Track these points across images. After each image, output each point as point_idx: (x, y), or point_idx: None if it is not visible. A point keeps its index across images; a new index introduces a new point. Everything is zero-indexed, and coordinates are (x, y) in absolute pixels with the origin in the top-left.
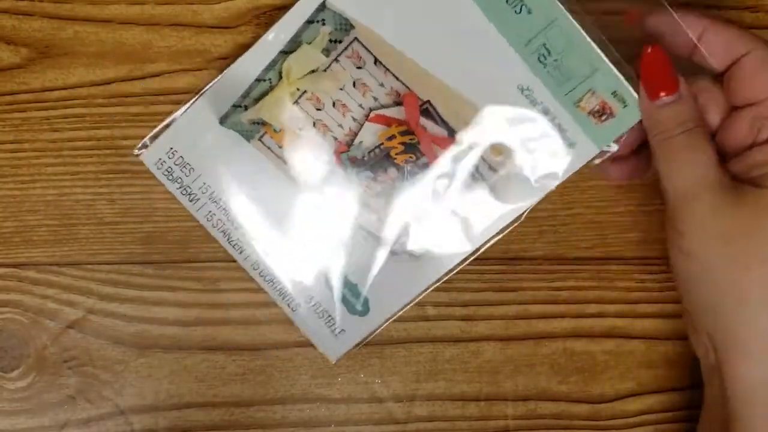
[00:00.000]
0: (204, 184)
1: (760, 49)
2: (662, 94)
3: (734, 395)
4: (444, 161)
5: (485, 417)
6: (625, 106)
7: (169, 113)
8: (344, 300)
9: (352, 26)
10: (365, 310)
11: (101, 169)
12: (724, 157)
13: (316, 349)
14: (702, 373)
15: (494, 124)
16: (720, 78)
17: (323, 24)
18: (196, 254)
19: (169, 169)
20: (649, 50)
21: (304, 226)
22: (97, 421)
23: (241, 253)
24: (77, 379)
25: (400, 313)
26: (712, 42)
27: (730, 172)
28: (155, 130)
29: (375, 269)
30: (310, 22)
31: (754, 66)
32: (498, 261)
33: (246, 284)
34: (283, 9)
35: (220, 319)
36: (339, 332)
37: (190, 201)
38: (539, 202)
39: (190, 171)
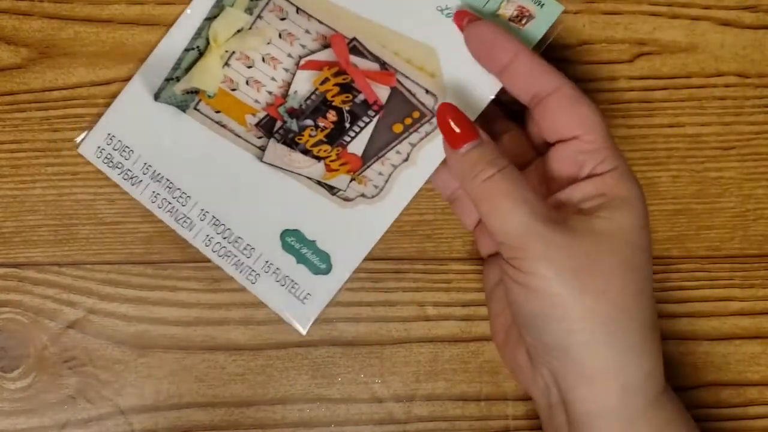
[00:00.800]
0: (145, 164)
1: (564, 88)
2: (462, 143)
3: (583, 428)
4: (382, 93)
5: (485, 417)
6: (542, 5)
7: None
8: (305, 261)
9: None
10: (328, 268)
11: (101, 169)
12: (547, 188)
13: (316, 350)
14: (539, 411)
15: (422, 48)
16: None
17: None
18: (195, 254)
19: (109, 156)
20: (442, 108)
21: (252, 188)
22: (97, 421)
23: (190, 230)
24: (77, 379)
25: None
26: (518, 73)
27: (554, 202)
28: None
29: (331, 221)
30: None
31: (560, 105)
32: None
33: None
34: None
35: (220, 319)
36: (305, 297)
37: (133, 185)
38: None
39: (129, 154)
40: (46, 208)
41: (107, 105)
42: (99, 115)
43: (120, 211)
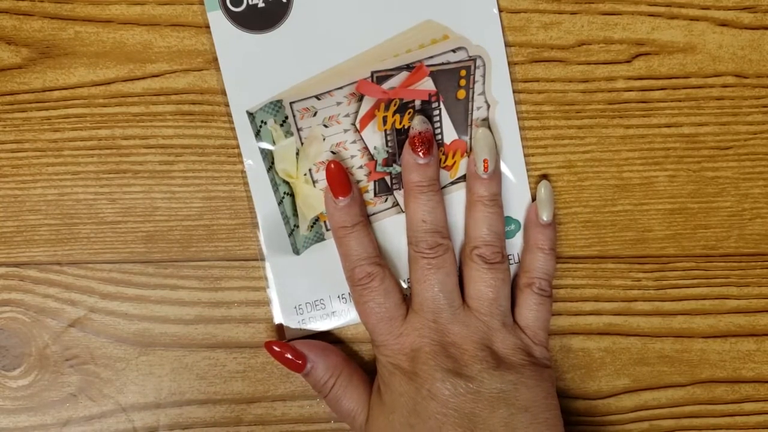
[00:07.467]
0: (340, 296)
1: None
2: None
3: None
4: (428, 84)
5: None
6: None
7: (171, 113)
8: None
9: (279, 102)
10: (517, 226)
11: (102, 169)
12: None
13: None
14: None
15: (421, 29)
16: None
17: (264, 123)
18: (196, 253)
19: (311, 317)
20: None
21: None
22: (99, 418)
23: None
24: (79, 377)
25: None
26: None
27: None
28: None
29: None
30: (257, 134)
31: None
32: None
33: (246, 282)
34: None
35: (220, 317)
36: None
37: (349, 321)
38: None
39: (322, 303)
40: (47, 207)
41: (107, 105)
42: (102, 116)
43: (121, 210)
